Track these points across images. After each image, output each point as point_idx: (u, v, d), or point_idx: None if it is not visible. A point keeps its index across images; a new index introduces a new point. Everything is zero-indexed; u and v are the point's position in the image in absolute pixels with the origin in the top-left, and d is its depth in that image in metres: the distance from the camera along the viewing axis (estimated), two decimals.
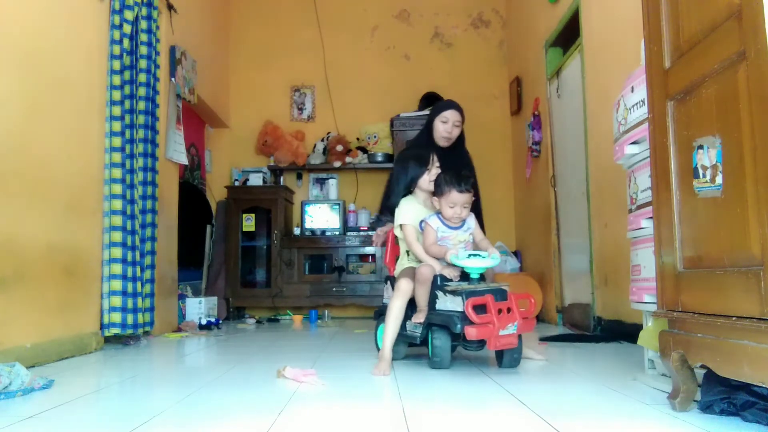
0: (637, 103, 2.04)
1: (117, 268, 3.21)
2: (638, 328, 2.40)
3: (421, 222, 2.56)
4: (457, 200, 2.46)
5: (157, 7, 3.75)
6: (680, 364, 1.61)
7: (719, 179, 1.42)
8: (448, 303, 2.35)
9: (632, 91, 2.08)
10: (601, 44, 3.65)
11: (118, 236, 3.23)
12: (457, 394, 2.00)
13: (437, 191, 2.53)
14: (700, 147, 1.49)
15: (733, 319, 1.36)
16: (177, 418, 1.65)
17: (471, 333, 2.20)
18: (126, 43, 3.37)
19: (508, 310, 2.27)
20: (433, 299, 2.43)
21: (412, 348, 2.71)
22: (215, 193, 5.74)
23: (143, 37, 3.58)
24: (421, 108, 5.82)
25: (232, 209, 5.54)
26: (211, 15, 5.42)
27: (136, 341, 3.40)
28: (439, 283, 2.42)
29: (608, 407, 1.72)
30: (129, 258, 3.27)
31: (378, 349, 2.64)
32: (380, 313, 2.79)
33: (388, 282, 2.82)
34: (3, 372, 1.95)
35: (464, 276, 2.43)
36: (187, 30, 4.51)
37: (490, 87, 6.09)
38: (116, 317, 3.19)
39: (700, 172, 1.49)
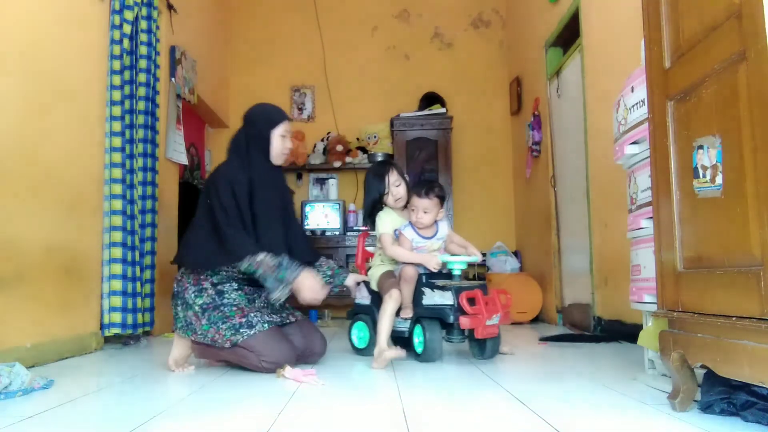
0: (637, 103, 2.04)
1: (117, 268, 3.21)
2: (638, 328, 2.40)
3: (396, 231, 2.77)
4: (418, 205, 2.70)
5: (157, 7, 3.75)
6: (680, 364, 1.61)
7: (719, 179, 1.42)
8: (436, 298, 2.60)
9: (632, 91, 2.08)
10: (601, 44, 3.65)
11: (118, 236, 3.23)
12: (457, 393, 2.00)
13: (407, 203, 2.79)
14: (700, 147, 1.49)
15: (733, 319, 1.36)
16: (177, 418, 1.65)
17: (465, 322, 2.47)
18: (126, 43, 3.37)
19: (492, 303, 2.56)
20: (419, 296, 2.65)
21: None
22: None
23: (143, 37, 3.58)
24: (421, 108, 5.82)
25: None
26: (211, 15, 5.42)
27: (136, 341, 3.40)
28: (425, 281, 2.66)
29: (608, 407, 1.72)
30: (129, 258, 3.27)
31: (353, 348, 2.94)
32: (354, 313, 2.98)
33: (362, 283, 2.97)
34: (3, 372, 1.95)
35: (447, 277, 2.70)
36: (187, 30, 4.51)
37: (490, 87, 6.09)
38: (116, 317, 3.19)
39: (700, 172, 1.49)
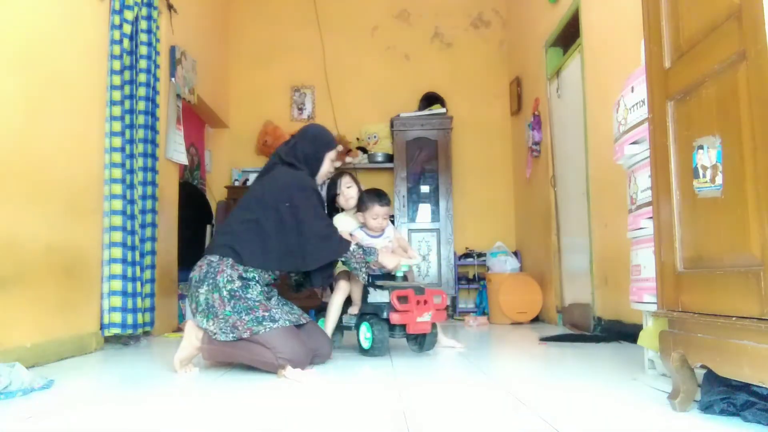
0: (637, 103, 2.04)
1: (117, 268, 3.21)
2: (638, 328, 2.40)
3: (350, 234, 3.00)
4: (379, 212, 3.03)
5: (157, 7, 3.75)
6: (680, 364, 1.61)
7: (719, 179, 1.42)
8: (377, 296, 2.93)
9: (632, 91, 2.08)
10: (601, 44, 3.65)
11: (118, 236, 3.22)
12: (457, 393, 2.00)
13: (361, 207, 3.05)
14: (700, 147, 1.49)
15: (733, 319, 1.36)
16: (176, 418, 1.65)
17: (395, 318, 2.75)
18: (126, 43, 3.37)
19: (425, 302, 2.81)
20: (365, 294, 2.99)
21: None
22: (215, 193, 5.74)
23: (143, 37, 3.58)
24: (421, 108, 5.82)
25: (232, 209, 5.53)
26: (211, 15, 5.42)
27: (136, 341, 3.40)
28: (370, 281, 2.97)
29: (608, 407, 1.72)
30: (129, 258, 3.27)
31: None
32: (320, 309, 3.21)
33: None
34: (3, 372, 1.95)
35: (391, 277, 2.94)
36: (187, 30, 4.51)
37: (490, 87, 6.09)
38: (116, 317, 3.19)
39: (700, 172, 1.49)
